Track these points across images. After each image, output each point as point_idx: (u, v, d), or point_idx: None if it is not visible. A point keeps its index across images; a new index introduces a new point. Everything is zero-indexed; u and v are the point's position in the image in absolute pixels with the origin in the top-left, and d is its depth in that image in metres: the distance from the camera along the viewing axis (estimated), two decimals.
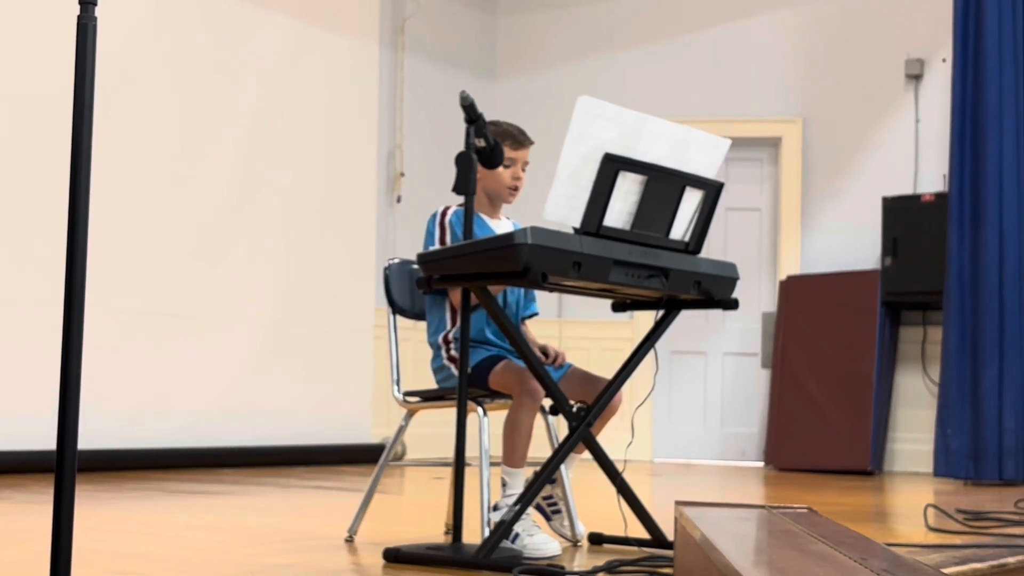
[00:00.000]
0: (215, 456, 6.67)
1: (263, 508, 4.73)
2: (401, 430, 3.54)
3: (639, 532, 3.31)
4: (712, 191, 3.17)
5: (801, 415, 7.90)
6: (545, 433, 3.63)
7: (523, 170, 3.52)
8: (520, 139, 3.49)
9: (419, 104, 8.44)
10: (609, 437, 3.40)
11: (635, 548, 3.29)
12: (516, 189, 3.52)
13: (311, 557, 3.13)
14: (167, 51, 6.64)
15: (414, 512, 4.95)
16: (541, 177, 3.77)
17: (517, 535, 3.19)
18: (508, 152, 3.42)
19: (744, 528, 2.44)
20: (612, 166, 2.92)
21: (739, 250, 8.45)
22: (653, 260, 3.06)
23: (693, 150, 3.12)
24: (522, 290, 3.56)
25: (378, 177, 8.07)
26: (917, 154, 8.14)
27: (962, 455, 6.94)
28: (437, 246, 3.39)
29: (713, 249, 8.25)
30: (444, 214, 3.48)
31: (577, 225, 2.94)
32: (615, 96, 3.96)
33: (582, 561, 3.18)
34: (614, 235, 2.99)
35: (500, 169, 3.43)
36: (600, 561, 3.04)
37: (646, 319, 6.13)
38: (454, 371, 3.41)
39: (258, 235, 7.07)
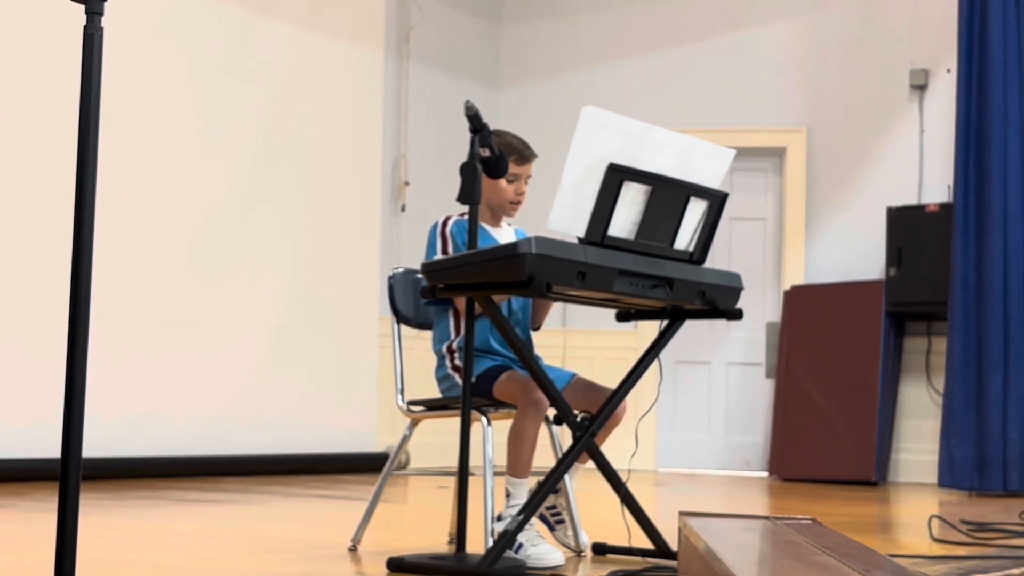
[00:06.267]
0: (219, 464, 6.66)
1: (267, 517, 4.73)
2: (405, 439, 3.54)
3: (643, 542, 3.31)
4: (716, 201, 3.17)
5: (805, 425, 7.89)
6: (549, 443, 3.63)
7: (526, 184, 3.52)
8: (525, 153, 3.49)
9: (424, 113, 8.45)
10: (613, 447, 3.40)
11: (639, 558, 3.29)
12: (518, 203, 3.52)
13: (315, 566, 3.13)
14: (173, 58, 6.65)
15: (418, 521, 4.95)
16: (545, 186, 3.78)
17: (521, 545, 3.19)
18: (513, 167, 3.41)
19: (748, 539, 2.44)
20: (616, 176, 2.92)
21: (743, 260, 8.44)
22: (657, 270, 3.06)
23: (697, 160, 3.12)
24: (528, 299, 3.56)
25: (383, 186, 8.08)
26: (921, 164, 8.14)
27: (966, 465, 6.93)
28: (438, 256, 3.39)
29: (717, 259, 8.24)
30: (445, 224, 3.48)
31: (581, 235, 2.94)
32: (619, 106, 3.96)
33: (586, 571, 3.18)
34: (618, 245, 2.99)
35: (503, 183, 3.44)
36: (604, 571, 3.04)
37: (650, 329, 6.14)
38: (458, 380, 3.40)
39: (262, 243, 7.08)
